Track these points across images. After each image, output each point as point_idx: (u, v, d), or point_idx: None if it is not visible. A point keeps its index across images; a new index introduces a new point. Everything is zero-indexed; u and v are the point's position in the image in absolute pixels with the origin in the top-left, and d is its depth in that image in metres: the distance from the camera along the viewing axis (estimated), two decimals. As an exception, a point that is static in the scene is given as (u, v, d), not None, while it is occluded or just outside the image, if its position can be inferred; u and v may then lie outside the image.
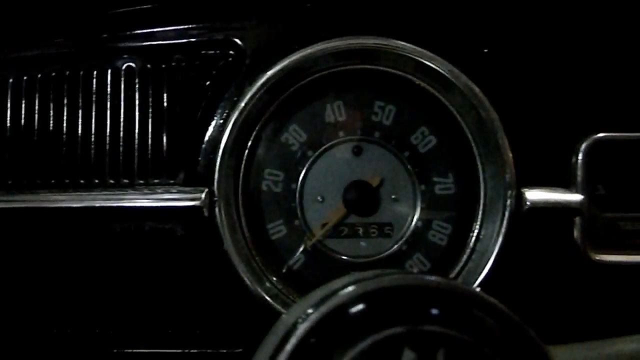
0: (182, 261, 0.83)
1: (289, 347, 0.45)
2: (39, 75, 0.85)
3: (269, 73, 0.82)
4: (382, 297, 0.45)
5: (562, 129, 0.82)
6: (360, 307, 0.46)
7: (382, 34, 0.82)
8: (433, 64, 0.82)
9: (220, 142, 0.82)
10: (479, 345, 0.41)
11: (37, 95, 0.85)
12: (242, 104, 0.82)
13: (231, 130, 0.82)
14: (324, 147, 0.86)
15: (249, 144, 0.85)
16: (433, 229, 0.86)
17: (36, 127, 0.85)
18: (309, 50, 0.82)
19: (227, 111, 0.83)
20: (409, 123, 0.85)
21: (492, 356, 0.41)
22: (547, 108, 0.82)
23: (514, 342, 0.43)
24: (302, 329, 0.47)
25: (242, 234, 0.84)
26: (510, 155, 0.80)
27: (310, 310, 0.49)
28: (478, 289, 0.50)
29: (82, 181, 0.84)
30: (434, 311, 0.43)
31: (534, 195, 0.80)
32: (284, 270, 0.86)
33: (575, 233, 0.81)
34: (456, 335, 0.41)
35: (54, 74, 0.85)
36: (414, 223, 0.86)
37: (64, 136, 0.85)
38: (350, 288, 0.50)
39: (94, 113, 0.84)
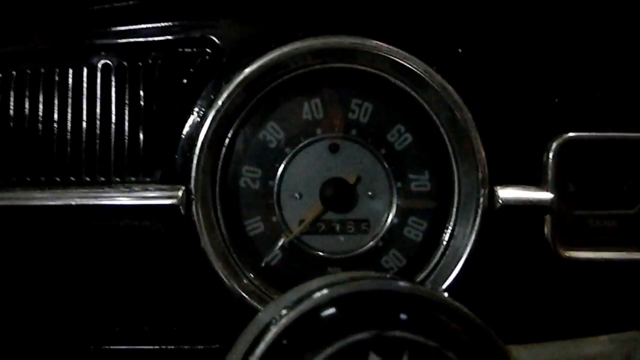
0: (159, 258, 0.83)
1: (260, 348, 0.46)
2: (14, 73, 0.85)
3: (246, 71, 0.82)
4: (353, 301, 0.46)
5: (534, 128, 0.83)
6: (331, 311, 0.47)
7: (358, 34, 0.83)
8: (408, 63, 0.83)
9: (197, 139, 0.82)
10: (443, 350, 0.42)
11: (12, 93, 0.85)
12: (219, 102, 0.82)
13: (208, 128, 0.82)
14: (301, 145, 0.86)
15: (227, 141, 0.86)
16: (409, 225, 0.87)
17: (11, 124, 0.84)
18: (285, 49, 0.82)
19: (204, 109, 0.83)
20: (386, 121, 0.86)
21: (455, 361, 0.42)
22: (519, 108, 0.84)
23: (478, 346, 0.45)
24: (274, 330, 0.48)
25: (219, 231, 0.85)
26: (483, 153, 0.82)
27: (283, 312, 0.50)
28: (445, 294, 0.52)
29: (58, 179, 0.84)
30: (401, 316, 0.44)
31: (506, 193, 0.82)
32: (262, 265, 0.87)
33: (546, 230, 0.82)
34: (421, 340, 0.42)
35: (29, 71, 0.84)
36: (390, 219, 0.87)
37: (40, 134, 0.84)
38: (324, 291, 0.51)
39: (70, 110, 0.84)
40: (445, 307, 0.45)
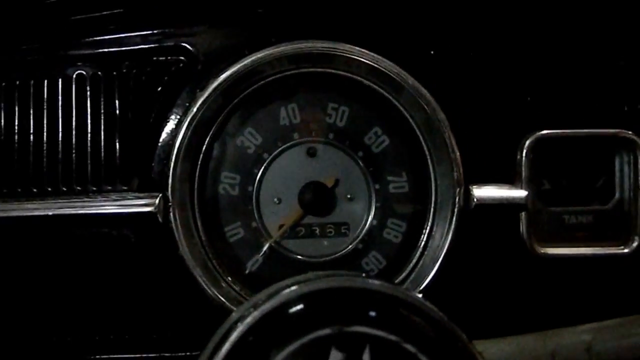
0: (139, 266, 0.83)
1: (226, 346, 0.47)
2: (-12, 86, 0.85)
3: (220, 78, 0.83)
4: (319, 298, 0.47)
5: (507, 127, 0.84)
6: (298, 307, 0.48)
7: (332, 38, 0.84)
8: (382, 66, 0.83)
9: (173, 147, 0.83)
10: (404, 344, 0.43)
11: (-13, 106, 0.85)
12: (195, 109, 0.83)
13: (184, 135, 0.83)
14: (279, 150, 0.87)
15: (204, 148, 0.86)
16: (388, 227, 0.88)
17: (-14, 137, 0.85)
18: (259, 55, 0.83)
19: (179, 116, 0.84)
20: (362, 124, 0.87)
21: (416, 354, 0.43)
22: (492, 107, 0.85)
23: (439, 340, 0.45)
24: (241, 327, 0.48)
25: (198, 237, 0.85)
26: (458, 153, 0.83)
27: (251, 310, 0.50)
28: (408, 290, 0.52)
29: (34, 190, 0.84)
30: (364, 312, 0.44)
31: (481, 192, 0.83)
32: (246, 272, 0.87)
33: (522, 227, 0.83)
34: (382, 335, 0.43)
35: (4, 83, 0.85)
36: (369, 222, 0.88)
37: (16, 145, 0.84)
38: (292, 288, 0.52)
39: (45, 121, 0.84)
40: (408, 303, 0.46)
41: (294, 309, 0.48)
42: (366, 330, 0.43)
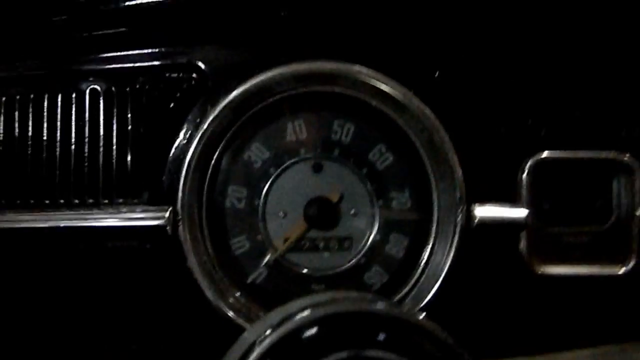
0: (147, 279, 0.85)
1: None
2: (4, 98, 0.87)
3: (231, 95, 0.84)
4: (333, 322, 0.49)
5: (509, 148, 0.86)
6: (312, 331, 0.50)
7: (339, 58, 0.86)
8: (387, 87, 0.85)
9: (183, 162, 0.84)
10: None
11: (1, 118, 0.87)
12: (205, 125, 0.85)
13: (194, 150, 0.85)
14: (285, 165, 0.89)
15: (212, 162, 0.88)
16: (390, 242, 0.90)
17: (1, 148, 0.86)
18: (269, 74, 0.85)
19: (190, 132, 0.86)
20: (367, 141, 0.89)
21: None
22: (494, 128, 0.86)
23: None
24: (258, 351, 0.50)
25: (205, 250, 0.87)
26: (461, 172, 0.85)
27: (267, 332, 0.52)
28: (420, 315, 0.54)
29: (47, 201, 0.85)
30: (378, 336, 0.46)
31: (482, 211, 0.85)
32: (252, 283, 0.88)
33: (521, 246, 0.85)
34: (395, 358, 0.45)
35: (18, 96, 0.87)
36: (372, 237, 0.89)
37: (29, 157, 0.86)
38: (306, 312, 0.53)
39: (58, 134, 0.86)
40: (419, 328, 0.48)
41: (308, 333, 0.49)
42: (380, 355, 0.45)
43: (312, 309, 0.51)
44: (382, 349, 0.45)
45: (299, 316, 0.51)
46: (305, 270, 0.89)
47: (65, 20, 0.87)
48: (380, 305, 0.50)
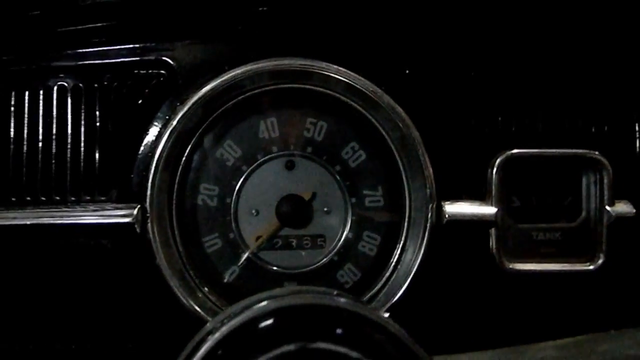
0: (116, 276, 0.85)
1: (196, 357, 0.48)
2: (-30, 95, 0.86)
3: (201, 92, 0.84)
4: (287, 314, 0.49)
5: (479, 146, 0.87)
6: (267, 322, 0.50)
7: (310, 56, 0.86)
8: (358, 84, 0.86)
9: (152, 159, 0.84)
10: (367, 360, 0.45)
11: (-33, 115, 0.86)
12: (174, 122, 0.84)
13: (163, 147, 0.84)
14: (258, 162, 0.89)
15: (183, 159, 0.87)
16: (363, 240, 0.90)
17: (-34, 145, 0.86)
18: (239, 70, 0.85)
19: (159, 129, 0.85)
20: (340, 139, 0.89)
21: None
22: (464, 126, 0.87)
23: (401, 358, 0.47)
24: (211, 340, 0.50)
25: (176, 248, 0.86)
26: (431, 170, 0.85)
27: (224, 322, 0.52)
28: (373, 309, 0.54)
29: (13, 199, 0.85)
30: (330, 329, 0.46)
31: (453, 208, 0.85)
32: (224, 281, 0.88)
33: (491, 243, 0.85)
34: (345, 351, 0.45)
35: (-15, 93, 0.86)
36: (345, 234, 0.89)
37: (-4, 154, 0.85)
38: (264, 303, 0.53)
39: (26, 131, 0.85)
40: (372, 321, 0.48)
41: (264, 324, 0.49)
42: (330, 347, 0.45)
43: (271, 300, 0.51)
44: (334, 343, 0.44)
45: (256, 306, 0.51)
46: (277, 268, 0.89)
47: (33, 16, 0.86)
48: (339, 300, 0.50)
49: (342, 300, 0.50)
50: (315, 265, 0.89)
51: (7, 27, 0.88)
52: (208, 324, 0.57)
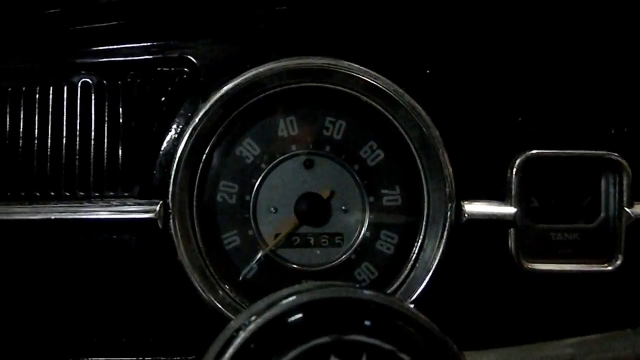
0: (138, 272, 0.85)
1: (229, 353, 0.49)
2: (-4, 91, 0.87)
3: (223, 90, 0.85)
4: (317, 308, 0.49)
5: (499, 146, 0.87)
6: (297, 317, 0.50)
7: (332, 55, 0.86)
8: (379, 84, 0.86)
9: (175, 156, 0.85)
10: (399, 353, 0.45)
11: (-7, 110, 0.87)
12: (196, 120, 0.85)
13: (185, 145, 0.85)
14: (277, 161, 0.89)
15: (204, 157, 0.88)
16: (381, 239, 0.90)
17: (-7, 141, 0.87)
18: (260, 69, 0.85)
19: (182, 126, 0.86)
20: (359, 138, 0.89)
21: (410, 363, 0.45)
22: (485, 126, 0.87)
23: (432, 350, 0.47)
24: (242, 336, 0.50)
25: (196, 244, 0.87)
26: (451, 170, 0.85)
27: (252, 319, 0.52)
28: (405, 303, 0.55)
29: (38, 194, 0.86)
30: (361, 322, 0.47)
31: (472, 208, 0.85)
32: (240, 279, 0.89)
33: (510, 243, 0.86)
34: (379, 344, 0.45)
35: (10, 89, 0.87)
36: (362, 233, 0.90)
37: (21, 150, 0.86)
38: (291, 299, 0.54)
39: (50, 127, 0.86)
40: (403, 314, 0.48)
41: (293, 319, 0.50)
42: (363, 340, 0.45)
43: (298, 295, 0.51)
44: (367, 335, 0.45)
45: (284, 302, 0.51)
46: (295, 266, 0.90)
47: (58, 13, 0.87)
48: (366, 293, 0.51)
49: (370, 293, 0.51)
50: (333, 264, 0.90)
51: (32, 24, 0.89)
52: (233, 322, 0.58)
